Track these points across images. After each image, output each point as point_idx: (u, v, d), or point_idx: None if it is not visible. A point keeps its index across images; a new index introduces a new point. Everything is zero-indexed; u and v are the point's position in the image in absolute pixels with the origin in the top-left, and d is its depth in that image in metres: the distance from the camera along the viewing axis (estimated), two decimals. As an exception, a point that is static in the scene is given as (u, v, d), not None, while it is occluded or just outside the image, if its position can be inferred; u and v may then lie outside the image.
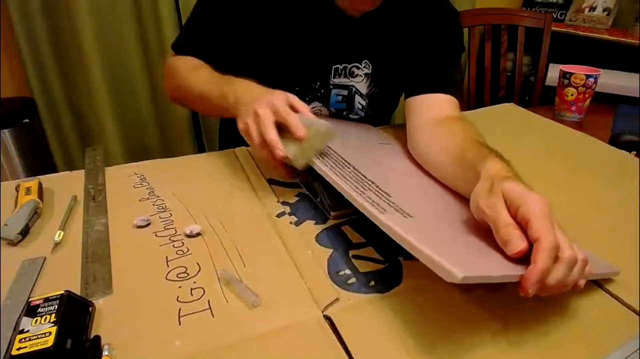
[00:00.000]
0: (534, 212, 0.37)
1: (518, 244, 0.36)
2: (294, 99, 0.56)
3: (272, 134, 0.53)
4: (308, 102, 0.78)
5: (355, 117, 0.82)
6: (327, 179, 0.51)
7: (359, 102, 0.80)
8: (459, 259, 0.34)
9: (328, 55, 0.75)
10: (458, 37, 0.77)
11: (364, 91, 0.79)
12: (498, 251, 0.39)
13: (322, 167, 0.53)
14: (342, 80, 0.77)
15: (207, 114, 0.78)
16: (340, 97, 0.79)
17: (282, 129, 0.54)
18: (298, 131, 0.52)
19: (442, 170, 0.60)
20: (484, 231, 0.42)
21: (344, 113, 0.81)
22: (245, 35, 0.73)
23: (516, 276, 0.35)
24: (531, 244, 0.36)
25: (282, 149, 0.52)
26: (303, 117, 0.54)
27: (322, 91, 0.77)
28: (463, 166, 0.53)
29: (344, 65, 0.76)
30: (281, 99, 0.55)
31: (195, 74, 0.71)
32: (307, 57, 0.74)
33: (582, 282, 0.39)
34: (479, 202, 0.41)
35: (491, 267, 0.37)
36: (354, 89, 0.78)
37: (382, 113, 0.88)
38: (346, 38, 0.73)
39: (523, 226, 0.38)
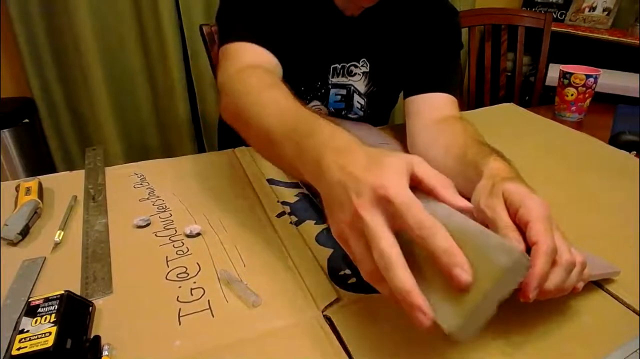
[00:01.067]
0: (534, 215, 0.37)
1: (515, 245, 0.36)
2: (419, 167, 0.33)
3: (402, 281, 0.29)
4: (308, 102, 0.79)
5: (354, 116, 0.82)
6: None
7: (357, 101, 0.80)
8: None
9: (326, 55, 0.75)
10: (457, 35, 0.77)
11: (362, 89, 0.79)
12: None
13: None
14: (341, 80, 0.77)
15: (283, 170, 0.58)
16: (339, 97, 0.79)
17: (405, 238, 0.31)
18: (458, 272, 0.28)
19: (443, 169, 0.59)
20: None
21: (343, 112, 0.81)
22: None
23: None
24: (529, 247, 0.36)
25: (428, 311, 0.28)
26: (446, 213, 0.31)
27: (323, 90, 0.78)
28: (464, 164, 0.53)
29: (342, 64, 0.76)
30: (399, 179, 0.31)
31: (264, 99, 0.48)
32: (306, 56, 0.74)
33: (580, 285, 0.39)
34: (480, 202, 0.41)
35: None
36: (352, 88, 0.78)
37: (381, 112, 0.88)
38: (344, 37, 0.73)
39: (522, 228, 0.37)
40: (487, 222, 0.40)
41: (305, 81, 0.76)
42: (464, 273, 0.28)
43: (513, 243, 0.31)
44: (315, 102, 0.79)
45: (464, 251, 0.28)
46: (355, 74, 0.77)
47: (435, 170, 0.33)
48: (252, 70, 0.57)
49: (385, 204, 0.30)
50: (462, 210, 0.32)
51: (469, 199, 0.47)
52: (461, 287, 0.28)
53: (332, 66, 0.75)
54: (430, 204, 0.31)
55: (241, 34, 0.63)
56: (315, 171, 0.36)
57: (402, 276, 0.29)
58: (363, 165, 0.32)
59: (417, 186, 0.32)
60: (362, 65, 0.77)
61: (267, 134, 0.44)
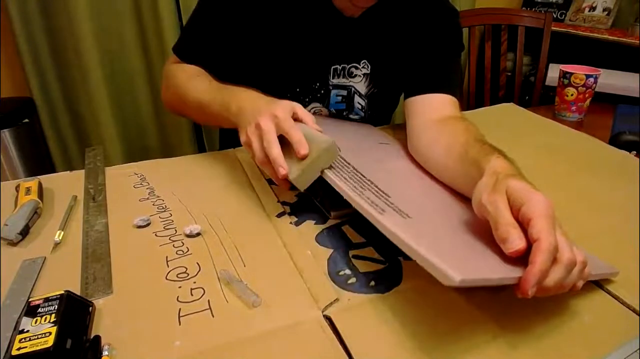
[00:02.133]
0: (537, 212, 0.37)
1: (516, 243, 0.36)
2: (299, 109, 0.54)
3: (275, 151, 0.50)
4: (308, 103, 0.78)
5: (355, 117, 0.82)
6: (326, 179, 0.51)
7: (358, 103, 0.80)
8: (457, 262, 0.34)
9: (326, 56, 0.75)
10: (457, 36, 0.77)
11: (363, 91, 0.79)
12: (497, 253, 0.39)
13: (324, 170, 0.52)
14: (341, 81, 0.77)
15: (207, 124, 0.76)
16: (339, 98, 0.79)
17: (285, 143, 0.52)
18: (301, 148, 0.50)
19: (444, 170, 0.59)
20: (483, 233, 0.42)
21: (344, 113, 0.81)
22: (244, 37, 0.73)
23: (515, 279, 0.35)
24: (530, 244, 0.36)
25: (285, 167, 0.50)
26: (307, 129, 0.52)
27: (322, 91, 0.77)
28: (466, 163, 0.53)
29: (343, 65, 0.76)
30: (285, 109, 0.52)
31: (194, 82, 0.69)
32: (306, 57, 0.74)
33: (580, 283, 0.39)
34: (482, 197, 0.41)
35: (489, 269, 0.36)
36: (353, 89, 0.78)
37: (382, 113, 0.88)
38: (344, 38, 0.73)
39: (524, 225, 0.37)
40: (487, 218, 0.40)
41: (302, 83, 0.76)
42: (304, 148, 0.50)
43: (329, 138, 0.50)
44: (315, 104, 0.79)
45: (308, 142, 0.50)
46: (355, 75, 0.77)
47: (308, 112, 0.54)
48: (181, 64, 0.74)
49: (275, 119, 0.51)
50: (313, 127, 0.53)
51: (469, 199, 0.47)
52: (302, 156, 0.50)
53: (332, 67, 0.75)
54: (299, 125, 0.52)
55: (182, 52, 0.75)
56: (236, 113, 0.58)
57: (276, 151, 0.50)
58: (265, 103, 0.55)
59: (296, 119, 0.53)
60: (362, 67, 0.77)
61: (200, 106, 0.66)
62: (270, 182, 0.63)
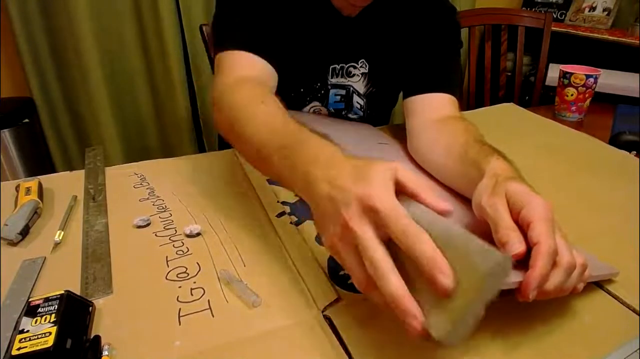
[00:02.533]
0: (537, 215, 0.37)
1: (516, 246, 0.36)
2: (402, 174, 0.34)
3: (393, 286, 0.30)
4: (308, 103, 0.78)
5: (354, 116, 0.82)
6: None
7: (357, 102, 0.80)
8: None
9: (325, 55, 0.74)
10: (456, 34, 0.77)
11: (361, 90, 0.79)
12: None
13: None
14: (340, 80, 0.77)
15: (270, 177, 0.56)
16: (338, 97, 0.79)
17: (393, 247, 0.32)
18: (440, 277, 0.28)
19: (444, 170, 0.59)
20: (483, 234, 0.42)
21: (343, 113, 0.81)
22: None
23: (515, 283, 0.35)
24: (529, 248, 0.36)
25: (418, 316, 0.29)
26: (427, 215, 0.32)
27: (322, 91, 0.77)
28: (465, 163, 0.53)
29: (341, 65, 0.76)
30: (384, 189, 0.32)
31: (256, 113, 0.49)
32: (304, 57, 0.74)
33: (580, 286, 0.39)
34: (482, 200, 0.41)
35: None
36: (351, 88, 0.78)
37: (381, 112, 0.88)
38: (342, 38, 0.73)
39: (524, 228, 0.37)
40: (488, 221, 0.40)
41: (304, 82, 0.76)
42: (445, 279, 0.28)
43: (493, 247, 0.29)
44: (315, 103, 0.79)
45: (447, 256, 0.29)
46: (354, 75, 0.77)
47: (418, 173, 0.35)
48: (244, 83, 0.57)
49: (373, 214, 0.31)
50: (444, 213, 0.33)
51: (469, 200, 0.47)
52: (444, 293, 0.28)
53: (331, 67, 0.75)
54: (413, 208, 0.32)
55: (235, 42, 0.63)
56: (304, 186, 0.37)
57: (394, 282, 0.30)
58: (349, 177, 0.33)
59: (400, 191, 0.33)
60: (361, 67, 0.77)
61: (258, 149, 0.45)
62: (270, 182, 0.63)
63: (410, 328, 0.29)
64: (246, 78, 0.59)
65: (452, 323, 0.28)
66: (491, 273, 0.28)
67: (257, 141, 0.46)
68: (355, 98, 0.80)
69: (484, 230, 0.41)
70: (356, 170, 0.34)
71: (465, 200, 0.54)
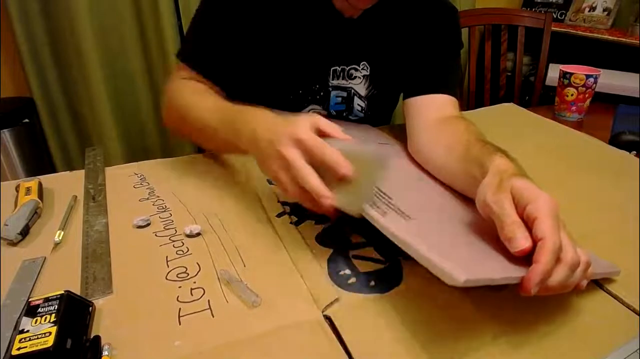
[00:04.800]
0: (542, 212, 0.37)
1: (522, 242, 0.36)
2: (321, 122, 0.46)
3: (312, 181, 0.42)
4: (307, 105, 0.78)
5: (355, 118, 0.82)
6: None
7: (358, 104, 0.80)
8: (461, 262, 0.34)
9: (326, 57, 0.74)
10: (456, 34, 0.77)
11: (362, 92, 0.79)
12: (500, 253, 0.39)
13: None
14: (341, 82, 0.77)
15: (215, 150, 0.68)
16: (339, 99, 0.79)
17: (317, 165, 0.43)
18: (341, 168, 0.41)
19: (446, 170, 0.59)
20: (485, 232, 0.42)
21: (344, 114, 0.81)
22: (247, 39, 0.72)
23: (518, 278, 0.35)
24: (534, 244, 0.36)
25: (329, 195, 0.42)
26: (340, 144, 0.44)
27: (322, 93, 0.77)
28: (468, 162, 0.52)
29: (342, 67, 0.76)
30: (306, 128, 0.44)
31: (198, 100, 0.62)
32: (306, 59, 0.74)
33: (584, 283, 0.39)
34: (487, 197, 0.41)
35: (493, 269, 0.36)
36: (352, 91, 0.78)
37: (382, 114, 0.88)
38: (344, 40, 0.73)
39: (529, 224, 0.37)
40: (492, 218, 0.40)
41: (304, 84, 0.76)
42: (346, 169, 0.41)
43: (369, 146, 0.45)
44: (314, 106, 0.78)
45: (350, 161, 0.41)
46: (355, 77, 0.77)
47: (331, 123, 0.46)
48: (187, 82, 0.69)
49: (299, 143, 0.43)
50: (343, 140, 0.45)
51: (472, 200, 0.47)
52: (346, 178, 0.42)
53: (332, 68, 0.75)
54: (328, 141, 0.44)
55: (190, 58, 0.71)
56: (250, 140, 0.50)
57: (314, 181, 0.42)
58: (281, 124, 0.46)
59: (321, 135, 0.44)
60: (362, 69, 0.76)
61: (205, 126, 0.58)
62: (270, 182, 0.63)
63: (325, 206, 0.42)
64: (189, 78, 0.69)
65: (352, 195, 0.43)
66: (371, 159, 0.43)
67: (204, 119, 0.59)
68: (357, 100, 0.80)
69: (487, 228, 0.41)
70: (287, 120, 0.46)
71: (466, 199, 0.54)
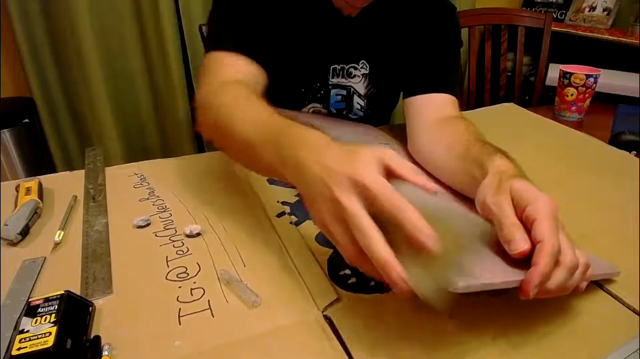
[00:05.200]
0: (541, 214, 0.37)
1: (521, 244, 0.36)
2: (392, 160, 0.36)
3: (379, 249, 0.32)
4: (308, 103, 0.78)
5: (355, 117, 0.82)
6: None
7: (357, 103, 0.80)
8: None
9: (325, 55, 0.74)
10: (456, 33, 0.77)
11: (362, 91, 0.79)
12: (499, 255, 0.38)
13: None
14: (341, 81, 0.77)
15: (262, 174, 0.56)
16: (339, 97, 0.79)
17: (381, 218, 0.33)
18: (423, 236, 0.31)
19: (446, 170, 0.59)
20: (485, 233, 0.42)
21: (344, 112, 0.81)
22: (252, 34, 0.72)
23: (517, 282, 0.35)
24: (533, 245, 0.36)
25: (403, 276, 0.31)
26: (413, 192, 0.34)
27: (322, 91, 0.77)
28: (468, 162, 0.52)
29: (342, 65, 0.76)
30: (372, 167, 0.34)
31: (241, 109, 0.50)
32: (305, 57, 0.74)
33: (583, 285, 0.39)
34: (486, 198, 0.41)
35: (492, 274, 0.36)
36: (352, 89, 0.78)
37: (381, 113, 0.88)
38: (343, 38, 0.73)
39: (528, 226, 0.37)
40: (492, 219, 0.40)
41: (304, 82, 0.76)
42: (428, 239, 0.31)
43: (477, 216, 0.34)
44: (314, 104, 0.79)
45: (432, 227, 0.31)
46: (354, 75, 0.77)
47: (404, 159, 0.37)
48: (229, 85, 0.58)
49: (361, 190, 0.33)
50: (430, 191, 0.35)
51: (471, 200, 0.47)
52: (426, 251, 0.31)
53: (331, 67, 0.75)
54: (402, 188, 0.33)
55: (224, 43, 0.63)
56: (294, 171, 0.39)
57: (382, 249, 0.32)
58: (338, 158, 0.35)
59: (390, 175, 0.35)
60: (361, 67, 0.77)
61: (247, 143, 0.46)
62: (270, 182, 0.63)
63: (399, 290, 0.31)
64: (231, 81, 0.60)
65: (436, 282, 0.31)
66: (470, 234, 0.32)
67: (245, 135, 0.46)
68: (356, 99, 0.80)
69: (486, 229, 0.41)
70: (344, 152, 0.36)
71: (466, 199, 0.54)
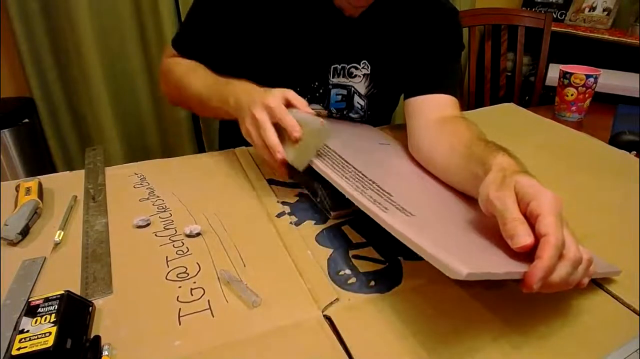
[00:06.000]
0: (546, 209, 0.37)
1: (524, 238, 0.36)
2: (291, 95, 0.56)
3: (272, 138, 0.54)
4: (308, 103, 0.78)
5: (355, 115, 0.82)
6: (328, 179, 0.51)
7: (357, 102, 0.80)
8: (463, 256, 0.34)
9: (326, 55, 0.75)
10: (457, 35, 0.77)
11: (362, 91, 0.79)
12: (502, 249, 0.39)
13: (323, 168, 0.53)
14: (341, 80, 0.77)
15: (209, 116, 0.80)
16: (340, 97, 0.79)
17: (282, 129, 0.54)
18: (293, 131, 0.53)
19: (447, 169, 0.59)
20: (487, 230, 0.42)
21: (345, 112, 0.81)
22: (244, 34, 0.73)
23: (520, 273, 0.35)
24: (536, 241, 0.36)
25: (281, 151, 0.54)
26: (299, 114, 0.54)
27: (321, 90, 0.77)
28: (470, 161, 0.52)
29: (343, 65, 0.76)
30: (277, 98, 0.55)
31: (192, 76, 0.71)
32: (306, 56, 0.74)
33: (585, 280, 0.39)
34: (489, 193, 0.41)
35: (495, 264, 0.36)
36: (352, 89, 0.78)
37: (382, 113, 0.88)
38: (344, 38, 0.73)
39: (531, 221, 0.37)
40: (495, 214, 0.40)
41: (303, 81, 0.76)
42: (296, 131, 0.53)
43: (322, 120, 0.54)
44: (314, 106, 0.79)
45: (300, 125, 0.53)
46: (355, 75, 0.77)
47: (299, 97, 0.56)
48: (178, 58, 0.78)
49: (268, 109, 0.55)
50: (307, 112, 0.56)
51: (473, 200, 0.47)
52: (294, 138, 0.53)
53: (332, 66, 0.75)
54: (293, 112, 0.55)
55: (178, 43, 0.79)
56: (233, 104, 0.61)
57: (271, 137, 0.54)
58: (259, 93, 0.57)
59: (288, 105, 0.56)
60: (362, 67, 0.77)
61: (200, 97, 0.68)
62: (270, 182, 0.63)
63: (276, 157, 0.54)
64: (181, 59, 0.78)
65: (298, 153, 0.54)
66: (317, 128, 0.54)
67: (198, 92, 0.69)
68: (356, 99, 0.80)
69: (488, 226, 0.41)
70: (263, 91, 0.57)
71: (467, 198, 0.55)
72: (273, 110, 0.54)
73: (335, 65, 0.75)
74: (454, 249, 0.36)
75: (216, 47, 0.76)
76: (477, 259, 0.37)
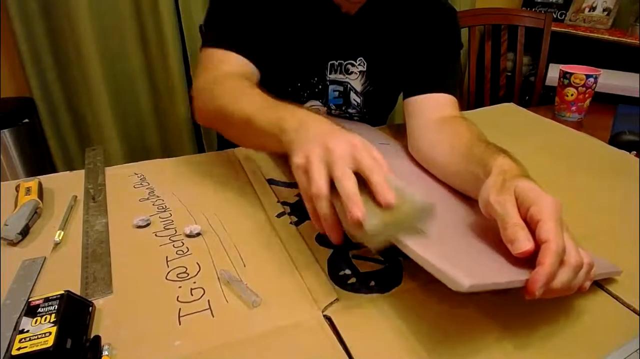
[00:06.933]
0: (546, 213, 0.37)
1: (524, 244, 0.36)
2: (378, 154, 0.41)
3: (350, 185, 0.38)
4: (306, 99, 0.79)
5: (353, 111, 0.83)
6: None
7: (354, 99, 0.80)
8: (464, 267, 0.33)
9: (323, 51, 0.75)
10: (455, 35, 0.77)
11: (358, 88, 0.79)
12: (502, 254, 0.38)
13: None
14: (338, 77, 0.77)
15: (248, 142, 0.62)
16: (337, 93, 0.79)
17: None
18: (386, 194, 0.37)
19: (448, 170, 0.59)
20: (488, 233, 0.42)
21: (342, 108, 0.82)
22: (251, 29, 0.72)
23: (522, 281, 0.35)
24: (537, 245, 0.36)
25: (362, 209, 0.37)
26: (391, 177, 0.40)
27: (320, 86, 0.78)
28: (471, 162, 0.52)
29: (339, 61, 0.76)
30: (365, 143, 0.41)
31: (247, 96, 0.57)
32: (303, 52, 0.74)
33: (587, 284, 0.39)
34: (490, 197, 0.41)
35: (497, 273, 0.36)
36: (349, 85, 0.79)
37: (378, 112, 0.87)
38: (341, 34, 0.73)
39: (532, 226, 0.37)
40: (495, 218, 0.40)
41: (301, 77, 0.76)
42: (390, 195, 0.37)
43: (420, 195, 0.39)
44: (313, 102, 0.79)
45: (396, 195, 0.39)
46: (352, 72, 0.77)
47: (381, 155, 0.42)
48: (227, 77, 0.63)
49: (353, 150, 0.40)
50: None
51: (473, 200, 0.47)
52: (385, 203, 0.37)
53: (329, 63, 0.76)
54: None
55: (223, 41, 0.67)
56: (296, 129, 0.45)
57: (352, 184, 0.38)
58: (338, 127, 0.44)
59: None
60: (359, 64, 0.77)
61: (248, 120, 0.52)
62: (270, 182, 0.63)
63: (352, 214, 0.36)
64: (231, 73, 0.64)
65: (383, 223, 0.37)
66: (422, 208, 0.38)
67: (246, 115, 0.52)
68: (353, 95, 0.80)
69: (489, 229, 0.41)
70: (340, 128, 0.44)
71: (468, 199, 0.54)
72: (361, 154, 0.39)
73: (332, 62, 0.75)
74: (454, 258, 0.36)
75: (251, 34, 0.67)
76: (479, 269, 0.36)
